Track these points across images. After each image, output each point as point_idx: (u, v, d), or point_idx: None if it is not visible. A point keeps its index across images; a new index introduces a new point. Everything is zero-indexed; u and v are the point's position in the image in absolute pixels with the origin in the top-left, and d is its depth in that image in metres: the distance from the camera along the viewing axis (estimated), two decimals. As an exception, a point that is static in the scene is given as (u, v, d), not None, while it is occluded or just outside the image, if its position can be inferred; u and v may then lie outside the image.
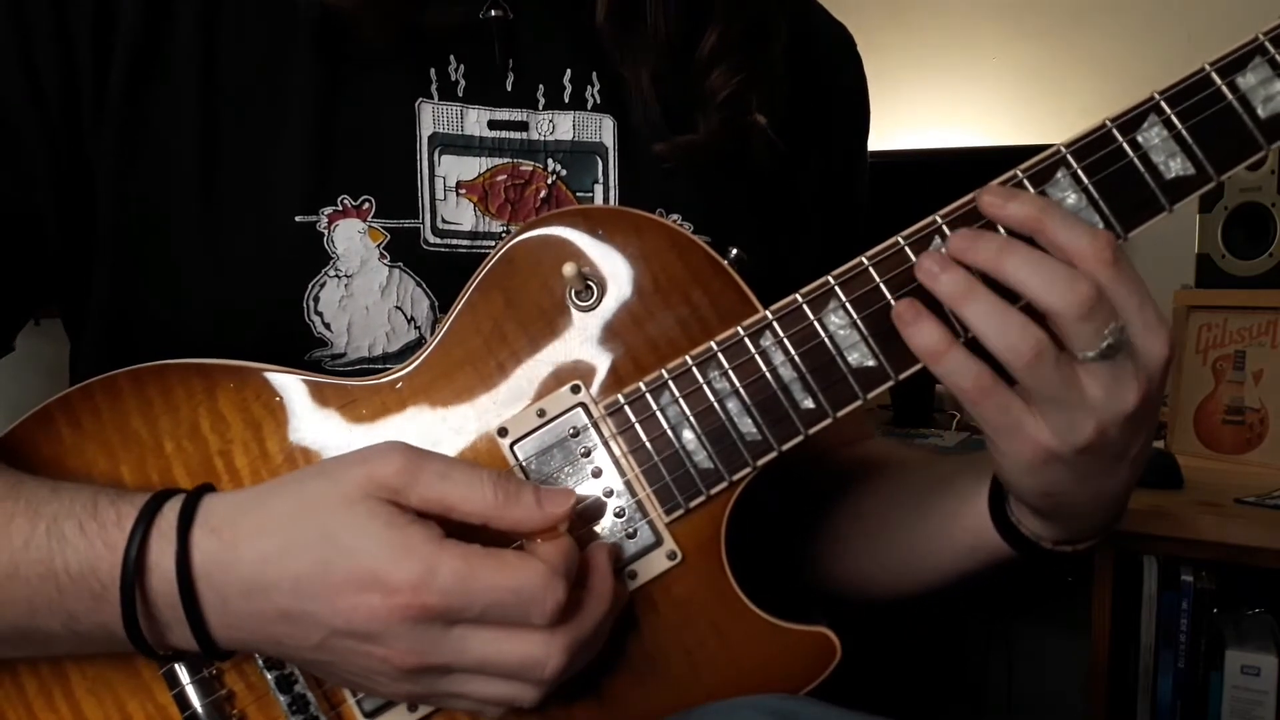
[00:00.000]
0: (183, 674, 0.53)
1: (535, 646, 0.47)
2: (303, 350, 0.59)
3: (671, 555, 0.55)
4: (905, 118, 1.93)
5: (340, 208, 0.59)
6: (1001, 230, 0.51)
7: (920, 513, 0.64)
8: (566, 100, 0.64)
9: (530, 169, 0.63)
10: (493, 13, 0.63)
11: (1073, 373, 0.48)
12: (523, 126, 0.63)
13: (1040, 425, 0.49)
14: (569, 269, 0.54)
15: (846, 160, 0.77)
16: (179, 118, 0.57)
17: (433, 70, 0.61)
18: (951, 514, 0.62)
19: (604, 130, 0.64)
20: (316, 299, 0.58)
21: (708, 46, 0.64)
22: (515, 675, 0.48)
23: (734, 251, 0.57)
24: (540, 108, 0.63)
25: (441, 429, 0.55)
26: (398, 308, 0.60)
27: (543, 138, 0.63)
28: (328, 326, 0.59)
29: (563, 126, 0.63)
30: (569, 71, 0.64)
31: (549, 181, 0.63)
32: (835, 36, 0.78)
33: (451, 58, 0.62)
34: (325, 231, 0.58)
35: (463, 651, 0.47)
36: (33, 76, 0.55)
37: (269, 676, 0.53)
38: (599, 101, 0.64)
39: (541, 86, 0.64)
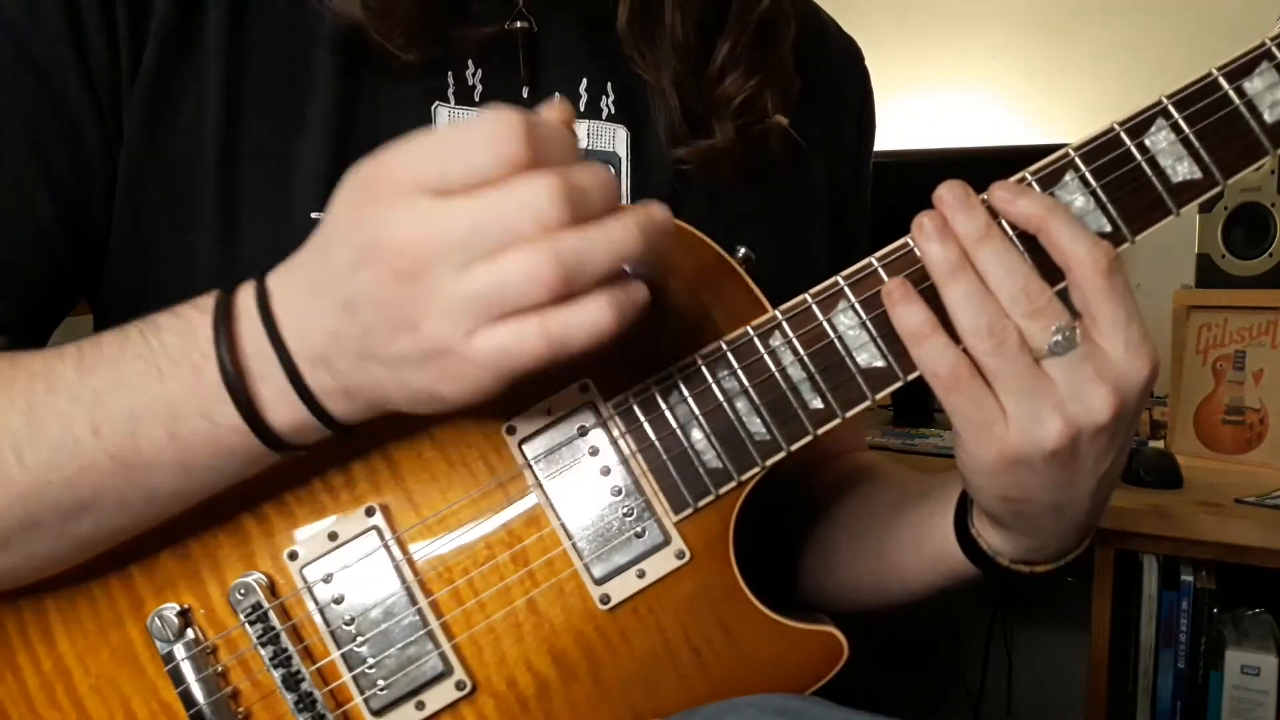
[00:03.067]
0: (187, 671, 0.53)
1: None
2: None
3: (680, 554, 0.55)
4: (906, 118, 1.93)
5: None
6: (1006, 225, 0.51)
7: (890, 522, 0.64)
8: (582, 109, 0.64)
9: None
10: (518, 24, 0.63)
11: (1035, 363, 0.49)
12: None
13: (1010, 423, 0.49)
14: None
15: (854, 167, 0.77)
16: (202, 110, 0.58)
17: (450, 74, 0.62)
18: (920, 524, 0.62)
19: (617, 140, 0.64)
20: None
21: (720, 55, 0.64)
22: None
23: (742, 250, 0.57)
24: None
25: (447, 425, 0.55)
26: None
27: None
28: None
29: (577, 134, 0.63)
30: (585, 80, 0.64)
31: None
32: (843, 47, 0.79)
33: (470, 63, 0.62)
34: None
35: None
36: (85, 64, 0.56)
37: (275, 675, 0.53)
38: (613, 111, 0.65)
39: (557, 95, 0.63)
